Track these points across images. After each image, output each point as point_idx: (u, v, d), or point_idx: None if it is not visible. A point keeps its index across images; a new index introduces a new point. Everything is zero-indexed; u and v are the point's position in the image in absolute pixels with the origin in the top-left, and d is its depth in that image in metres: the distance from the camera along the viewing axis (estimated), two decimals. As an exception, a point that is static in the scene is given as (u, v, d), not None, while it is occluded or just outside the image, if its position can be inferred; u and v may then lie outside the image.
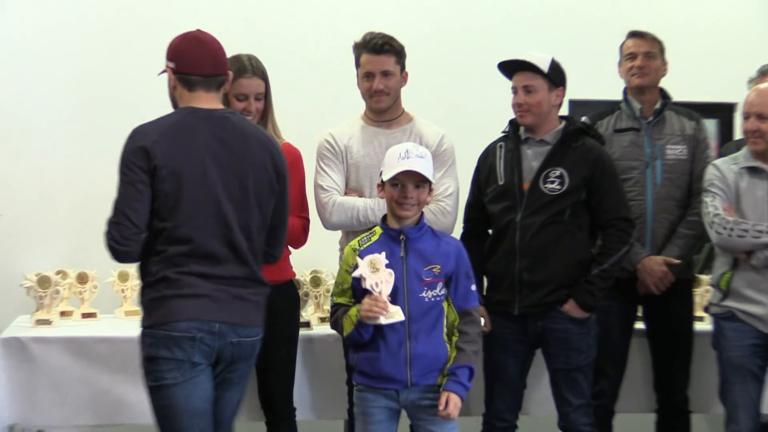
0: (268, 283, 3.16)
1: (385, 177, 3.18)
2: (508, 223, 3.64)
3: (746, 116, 3.71)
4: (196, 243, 3.01)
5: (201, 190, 2.99)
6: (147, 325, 3.03)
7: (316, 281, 4.32)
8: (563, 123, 3.70)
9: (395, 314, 3.12)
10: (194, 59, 3.10)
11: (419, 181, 3.19)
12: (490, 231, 3.78)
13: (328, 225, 3.76)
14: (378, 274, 3.12)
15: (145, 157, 2.97)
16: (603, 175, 3.63)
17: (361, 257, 3.15)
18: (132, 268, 3.81)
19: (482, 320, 3.56)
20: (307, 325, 4.12)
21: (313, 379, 4.08)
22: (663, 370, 4.16)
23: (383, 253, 3.14)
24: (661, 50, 4.11)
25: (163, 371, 2.99)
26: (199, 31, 3.16)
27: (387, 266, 3.13)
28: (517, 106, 3.64)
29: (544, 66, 3.63)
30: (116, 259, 3.01)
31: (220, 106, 3.14)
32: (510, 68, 3.66)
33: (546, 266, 3.62)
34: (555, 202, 3.62)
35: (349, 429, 3.98)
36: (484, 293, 3.73)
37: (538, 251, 3.61)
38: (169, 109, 3.17)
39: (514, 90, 3.65)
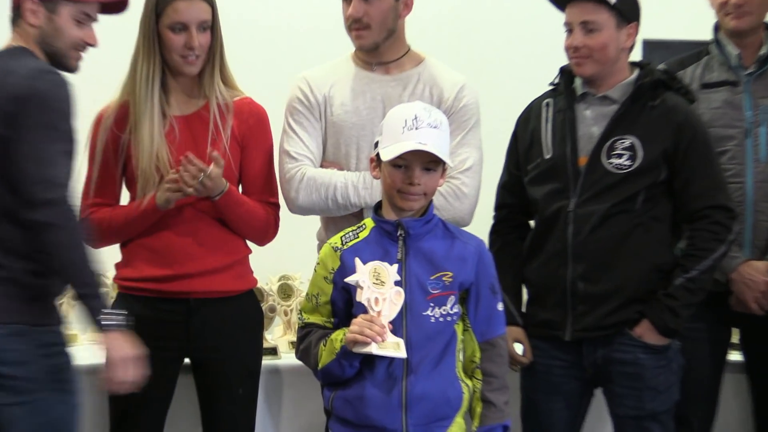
0: None
1: (386, 155, 2.96)
2: (558, 213, 3.38)
3: None
4: None
5: None
6: None
7: (286, 291, 4.09)
8: (635, 72, 3.42)
9: (394, 347, 2.94)
10: None
11: (431, 162, 2.98)
12: (531, 223, 3.55)
13: (294, 207, 3.50)
14: (382, 289, 2.91)
15: None
16: (692, 146, 3.38)
17: (347, 260, 2.96)
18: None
19: (519, 347, 3.43)
20: (274, 352, 3.87)
21: (280, 426, 3.88)
22: (767, 416, 3.85)
23: (395, 266, 2.94)
24: None
25: None
26: None
27: (397, 284, 2.92)
28: (572, 50, 3.37)
29: None
30: None
31: None
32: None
33: (610, 273, 3.35)
34: (623, 184, 3.35)
35: None
36: (524, 310, 3.51)
37: (600, 252, 3.34)
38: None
39: (568, 27, 3.39)
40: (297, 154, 3.48)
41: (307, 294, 3.09)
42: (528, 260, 3.46)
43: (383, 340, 2.89)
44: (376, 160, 3.00)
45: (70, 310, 3.97)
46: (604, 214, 3.30)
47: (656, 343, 3.30)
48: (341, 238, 3.05)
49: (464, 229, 3.32)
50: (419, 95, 3.47)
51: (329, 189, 3.44)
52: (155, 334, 3.23)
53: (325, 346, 2.97)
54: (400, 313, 2.94)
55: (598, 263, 3.31)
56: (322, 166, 3.54)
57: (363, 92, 3.51)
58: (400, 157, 2.92)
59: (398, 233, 2.98)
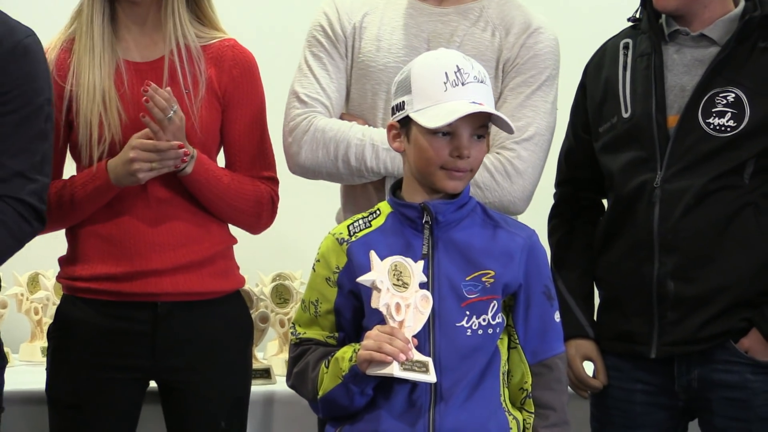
0: None
1: (431, 120, 2.68)
2: (640, 190, 3.10)
3: None
4: None
5: None
6: None
7: (282, 294, 3.84)
8: (741, 5, 3.15)
9: (422, 367, 2.66)
10: None
11: (480, 127, 2.75)
12: (604, 204, 3.29)
13: (294, 165, 3.19)
14: (404, 292, 2.65)
15: None
16: None
17: (357, 255, 2.73)
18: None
19: (590, 367, 3.19)
20: (266, 374, 3.68)
21: None
22: None
23: (420, 263, 2.70)
24: None
25: None
26: None
27: (423, 286, 2.67)
28: None
29: None
30: None
31: None
32: None
33: (710, 269, 3.04)
34: (726, 151, 3.06)
35: None
36: (595, 317, 3.24)
37: (696, 241, 3.04)
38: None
39: None
40: (308, 98, 3.21)
41: (302, 301, 2.87)
42: (601, 253, 3.20)
43: (408, 359, 2.64)
44: (400, 127, 2.75)
45: None
46: (702, 190, 3.00)
47: None
48: (348, 227, 2.84)
49: (514, 216, 3.10)
50: (478, 35, 3.20)
51: (340, 146, 3.16)
52: (113, 349, 3.04)
53: (327, 367, 2.74)
54: (427, 324, 2.69)
55: (694, 256, 3.04)
56: (341, 118, 3.27)
57: (405, 26, 3.25)
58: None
59: (424, 220, 2.76)
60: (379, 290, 2.67)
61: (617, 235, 3.15)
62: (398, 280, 2.71)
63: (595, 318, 3.24)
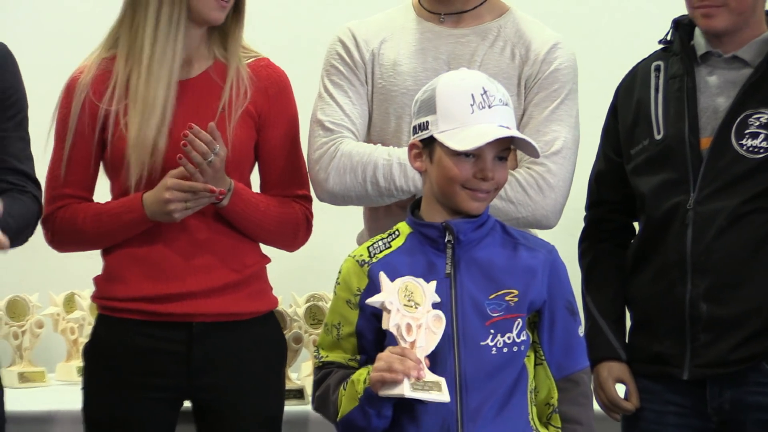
0: None
1: (460, 143, 2.76)
2: (673, 212, 3.18)
3: None
4: None
5: None
6: None
7: (315, 315, 3.97)
8: None
9: (435, 386, 2.71)
10: None
11: (504, 150, 2.84)
12: (635, 226, 3.37)
13: (323, 193, 3.30)
14: (416, 313, 2.71)
15: None
16: None
17: (378, 277, 2.75)
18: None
19: (622, 389, 3.24)
20: (299, 394, 3.86)
21: None
22: None
23: (433, 284, 2.75)
24: None
25: None
26: None
27: (436, 306, 2.72)
28: (701, 2, 3.22)
29: None
30: None
31: None
32: None
33: (743, 291, 3.13)
34: (760, 173, 3.14)
35: None
36: (627, 339, 3.31)
37: (729, 263, 3.12)
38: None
39: None
40: (333, 125, 3.28)
41: (325, 324, 2.92)
42: (632, 275, 3.26)
43: (419, 378, 2.69)
44: (422, 147, 2.80)
45: (36, 343, 4.17)
46: (735, 212, 3.07)
47: None
48: (368, 248, 2.88)
49: (535, 232, 3.19)
50: (497, 54, 3.29)
51: (368, 168, 3.23)
52: (148, 368, 3.11)
53: (345, 390, 2.79)
54: (451, 344, 2.77)
55: (727, 278, 3.10)
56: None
57: (423, 49, 3.33)
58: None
59: (446, 240, 2.80)
60: (389, 311, 2.72)
61: (649, 257, 3.20)
62: (409, 300, 2.76)
63: (626, 340, 3.28)
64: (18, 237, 3.10)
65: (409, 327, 2.68)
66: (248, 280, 3.16)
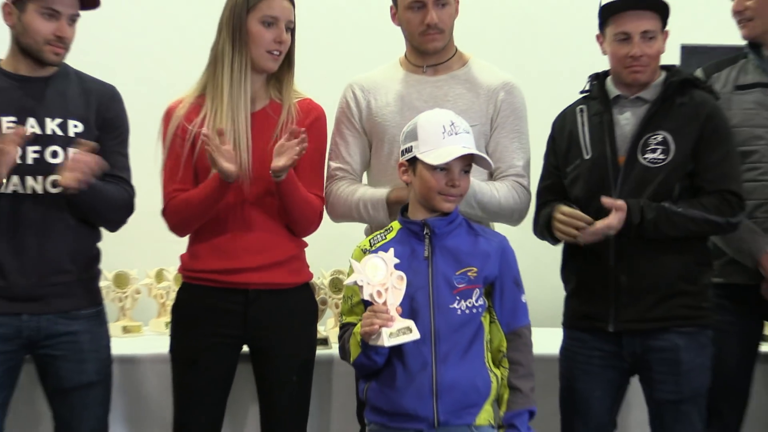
0: None
1: (433, 159, 3.09)
2: (600, 209, 3.45)
3: None
4: None
5: None
6: None
7: (337, 285, 4.26)
8: (664, 74, 3.60)
9: (407, 330, 3.03)
10: None
11: (467, 165, 3.16)
12: None
13: (331, 218, 3.72)
14: (381, 279, 3.03)
15: None
16: (715, 137, 3.53)
17: None
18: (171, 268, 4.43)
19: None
20: (325, 342, 4.07)
21: (331, 413, 4.09)
22: None
23: (391, 251, 3.06)
24: None
25: None
26: None
27: (398, 267, 3.03)
28: (631, 59, 3.51)
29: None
30: None
31: None
32: (619, 6, 3.52)
33: (652, 267, 3.48)
34: (659, 178, 3.49)
35: None
36: (564, 305, 3.66)
37: (640, 246, 3.46)
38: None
39: (625, 37, 3.51)
40: (334, 169, 3.68)
41: (343, 296, 3.26)
42: (570, 256, 3.60)
43: (390, 326, 3.00)
44: (408, 165, 3.15)
45: (134, 305, 4.48)
46: None
47: (617, 225, 3.34)
48: (370, 240, 3.22)
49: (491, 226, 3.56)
50: (469, 96, 3.62)
51: (352, 209, 3.63)
52: (217, 322, 3.42)
53: (352, 340, 3.13)
54: (428, 306, 3.08)
55: (640, 258, 3.45)
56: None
57: (409, 93, 3.64)
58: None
59: (425, 232, 3.13)
60: (361, 287, 3.02)
61: (583, 247, 3.48)
62: (377, 272, 3.04)
63: (564, 306, 3.61)
64: (102, 204, 3.45)
65: (379, 293, 3.02)
66: (289, 260, 3.47)
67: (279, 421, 3.56)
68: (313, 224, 3.60)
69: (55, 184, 3.39)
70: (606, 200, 3.38)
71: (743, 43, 3.89)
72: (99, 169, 3.38)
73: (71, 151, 3.40)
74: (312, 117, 3.51)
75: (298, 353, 3.54)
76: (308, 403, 3.60)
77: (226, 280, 3.44)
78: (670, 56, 3.69)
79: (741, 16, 3.80)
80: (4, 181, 3.34)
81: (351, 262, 3.12)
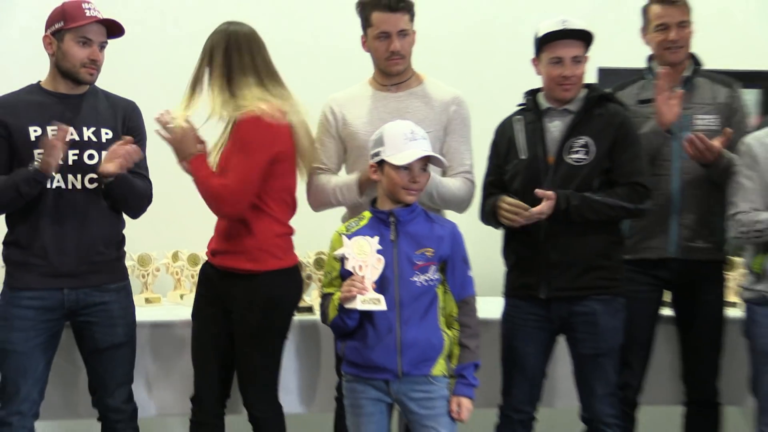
0: None
1: (398, 160, 3.22)
2: (534, 200, 3.62)
3: None
4: None
5: None
6: None
7: (320, 263, 4.32)
8: (585, 90, 3.76)
9: (376, 301, 3.17)
10: None
11: (426, 164, 3.28)
12: None
13: (314, 209, 3.90)
14: (364, 257, 3.18)
15: None
16: (627, 140, 3.69)
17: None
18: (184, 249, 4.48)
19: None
20: (310, 310, 4.21)
21: (321, 369, 4.16)
22: (691, 360, 4.17)
23: (376, 238, 3.21)
24: (690, 12, 4.07)
25: None
26: None
27: (380, 253, 3.19)
28: (562, 79, 3.67)
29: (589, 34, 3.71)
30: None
31: None
32: (554, 36, 3.67)
33: (574, 245, 3.65)
34: (582, 174, 3.66)
35: (337, 419, 4.01)
36: (504, 279, 3.80)
37: (567, 229, 3.64)
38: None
39: (557, 60, 3.68)
40: (315, 167, 3.81)
41: (324, 272, 3.40)
42: (509, 238, 3.76)
43: (364, 294, 3.14)
44: (377, 166, 3.29)
45: (155, 280, 4.53)
46: None
47: (548, 211, 3.50)
48: (346, 226, 3.35)
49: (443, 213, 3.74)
50: (425, 109, 3.77)
51: (329, 194, 3.79)
52: (220, 291, 3.59)
53: (330, 305, 3.26)
54: (393, 279, 3.22)
55: (566, 238, 3.62)
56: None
57: (376, 108, 3.80)
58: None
59: (390, 220, 3.29)
60: (347, 259, 3.19)
61: (521, 231, 3.62)
62: (361, 250, 3.18)
63: (504, 280, 3.74)
64: (131, 193, 3.61)
65: (360, 267, 3.18)
66: (249, 250, 3.57)
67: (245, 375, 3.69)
68: (214, 201, 3.59)
69: (91, 181, 3.59)
70: (539, 191, 3.53)
71: (643, 66, 4.11)
72: (137, 156, 3.56)
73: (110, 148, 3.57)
74: (238, 131, 3.59)
75: (250, 323, 3.62)
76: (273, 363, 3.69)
77: (214, 262, 3.68)
78: (589, 76, 3.80)
79: (674, 44, 3.97)
80: (54, 175, 3.52)
81: (332, 241, 3.28)
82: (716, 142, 3.84)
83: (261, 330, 3.64)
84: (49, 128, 3.56)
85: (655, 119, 3.92)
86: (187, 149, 3.61)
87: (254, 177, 3.55)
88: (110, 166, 3.54)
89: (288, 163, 3.65)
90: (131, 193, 3.66)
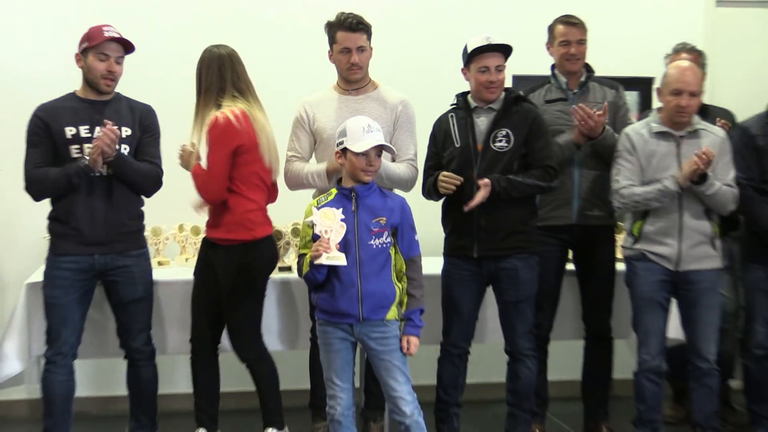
0: None
1: (358, 148, 3.38)
2: (468, 181, 3.87)
3: (678, 92, 3.95)
4: None
5: None
6: None
7: (296, 232, 4.47)
8: (503, 93, 3.99)
9: (338, 258, 3.31)
10: None
11: (380, 151, 3.46)
12: None
13: (290, 189, 4.08)
14: (329, 223, 3.30)
15: None
16: (537, 131, 3.92)
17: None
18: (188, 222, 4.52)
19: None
20: (289, 269, 4.42)
21: (298, 318, 4.30)
22: (589, 304, 4.44)
23: (340, 210, 3.35)
24: (586, 32, 4.32)
25: None
26: None
27: (342, 221, 3.35)
28: (489, 83, 3.88)
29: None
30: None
31: None
32: (482, 49, 3.84)
33: (500, 214, 3.86)
34: (504, 158, 3.87)
35: (312, 355, 4.17)
36: (444, 242, 4.00)
37: (495, 202, 3.84)
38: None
39: (486, 69, 3.87)
40: (291, 156, 4.08)
41: (300, 237, 3.58)
42: (447, 208, 3.98)
43: (329, 253, 3.29)
44: (341, 153, 3.44)
45: (165, 247, 4.66)
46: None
47: (487, 195, 3.69)
48: (317, 200, 3.50)
49: (393, 190, 3.89)
50: (379, 109, 3.97)
51: (301, 177, 4.00)
52: (211, 260, 3.86)
53: (304, 262, 3.44)
54: (354, 243, 3.36)
55: (493, 209, 3.83)
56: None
57: (340, 108, 4.00)
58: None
59: (352, 195, 3.45)
60: (315, 225, 3.32)
61: (456, 202, 3.86)
62: (327, 218, 3.31)
63: (443, 244, 3.95)
64: (132, 173, 3.72)
65: (326, 231, 3.32)
66: (250, 220, 3.81)
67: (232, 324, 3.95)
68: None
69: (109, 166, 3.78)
70: (479, 181, 3.74)
71: (548, 73, 4.34)
72: (112, 134, 3.61)
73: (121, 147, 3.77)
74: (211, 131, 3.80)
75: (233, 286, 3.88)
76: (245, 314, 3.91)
77: (215, 236, 3.92)
78: (507, 81, 3.98)
79: (574, 57, 4.23)
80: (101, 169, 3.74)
81: (306, 212, 3.43)
82: (598, 117, 4.10)
83: (238, 291, 3.84)
84: (82, 128, 3.77)
85: (572, 133, 4.15)
86: (189, 164, 3.86)
87: (220, 169, 3.75)
88: (92, 150, 3.69)
89: (251, 154, 3.82)
90: (133, 172, 3.79)
